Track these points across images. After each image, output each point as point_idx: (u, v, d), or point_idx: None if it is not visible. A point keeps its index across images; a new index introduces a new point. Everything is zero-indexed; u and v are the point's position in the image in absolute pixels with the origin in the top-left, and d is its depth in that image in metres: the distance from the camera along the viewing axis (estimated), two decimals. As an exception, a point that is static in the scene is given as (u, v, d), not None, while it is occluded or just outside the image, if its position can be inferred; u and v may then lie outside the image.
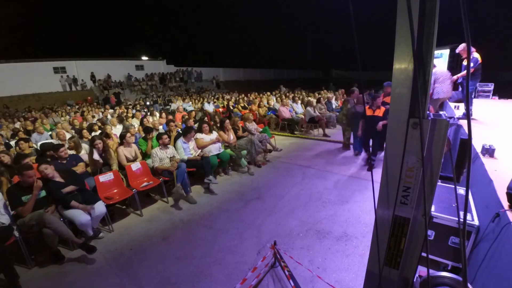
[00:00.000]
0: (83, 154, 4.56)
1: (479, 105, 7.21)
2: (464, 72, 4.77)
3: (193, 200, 4.33)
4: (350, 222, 3.47)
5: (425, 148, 1.03)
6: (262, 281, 2.60)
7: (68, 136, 5.80)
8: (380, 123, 5.29)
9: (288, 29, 44.74)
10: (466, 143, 2.80)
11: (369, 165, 5.16)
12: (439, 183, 2.60)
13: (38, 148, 5.36)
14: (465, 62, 4.65)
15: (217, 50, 40.72)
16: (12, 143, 6.03)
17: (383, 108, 5.07)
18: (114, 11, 32.41)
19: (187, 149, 4.80)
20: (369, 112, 5.21)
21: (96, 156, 4.29)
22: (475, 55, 4.68)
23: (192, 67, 28.04)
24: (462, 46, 4.68)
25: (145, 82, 24.11)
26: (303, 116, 8.75)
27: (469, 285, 1.17)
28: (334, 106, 10.29)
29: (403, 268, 1.25)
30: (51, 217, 2.96)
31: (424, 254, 1.16)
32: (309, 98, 10.99)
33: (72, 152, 4.53)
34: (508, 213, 1.86)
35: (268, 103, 11.32)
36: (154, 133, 5.29)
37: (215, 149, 5.08)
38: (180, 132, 5.49)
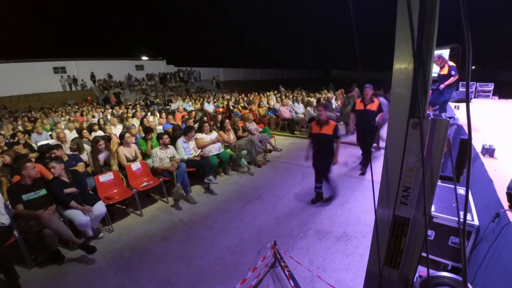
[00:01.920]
0: (83, 155, 4.57)
1: (479, 105, 7.21)
2: (450, 80, 5.03)
3: (193, 200, 4.33)
4: (350, 222, 3.47)
5: (425, 148, 1.03)
6: (262, 281, 2.60)
7: (70, 136, 5.80)
8: (378, 117, 4.67)
9: (288, 29, 44.80)
10: (466, 143, 2.79)
11: (317, 196, 4.02)
12: (439, 183, 2.60)
13: (36, 148, 5.37)
14: (441, 72, 5.01)
15: (217, 50, 40.78)
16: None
17: (332, 124, 3.74)
18: (114, 11, 32.43)
19: (187, 149, 4.80)
20: (315, 129, 3.82)
21: (101, 156, 4.32)
22: (450, 63, 4.94)
23: (192, 67, 28.04)
24: (437, 56, 4.91)
25: (145, 82, 24.11)
26: (303, 116, 8.75)
27: (469, 285, 1.17)
28: (334, 106, 10.28)
29: (403, 268, 1.25)
30: (51, 217, 2.96)
31: (424, 254, 1.16)
32: (309, 98, 10.99)
33: (75, 153, 4.53)
34: (508, 213, 1.86)
35: (268, 103, 11.32)
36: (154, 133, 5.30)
37: (215, 149, 5.08)
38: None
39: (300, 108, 9.74)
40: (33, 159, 4.25)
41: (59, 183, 3.29)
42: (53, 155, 3.86)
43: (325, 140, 3.77)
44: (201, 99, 14.01)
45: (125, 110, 10.12)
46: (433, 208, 2.21)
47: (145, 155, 4.92)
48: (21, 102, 18.51)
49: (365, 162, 5.12)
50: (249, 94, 15.29)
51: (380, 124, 4.89)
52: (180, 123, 6.56)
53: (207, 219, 3.83)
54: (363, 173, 5.03)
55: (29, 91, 19.20)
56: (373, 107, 4.77)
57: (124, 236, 3.54)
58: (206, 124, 5.18)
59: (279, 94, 14.02)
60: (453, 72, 4.96)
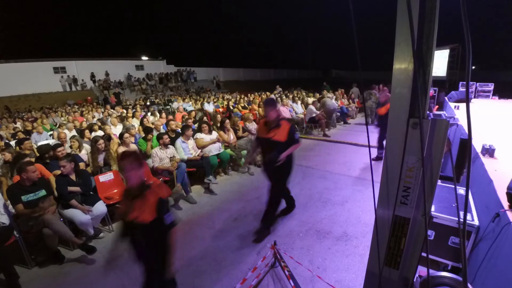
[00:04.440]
0: (83, 154, 4.57)
1: (479, 105, 7.21)
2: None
3: (193, 200, 4.33)
4: (350, 222, 3.47)
5: (425, 148, 1.03)
6: (262, 281, 2.60)
7: (69, 136, 5.79)
8: (284, 154, 2.91)
9: (288, 29, 44.88)
10: (466, 143, 2.80)
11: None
12: (439, 183, 2.60)
13: (36, 148, 5.36)
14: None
15: (217, 50, 40.86)
16: (12, 143, 6.02)
17: (151, 202, 1.83)
18: (114, 11, 32.47)
19: (186, 149, 4.80)
20: (123, 207, 1.92)
21: (100, 157, 4.32)
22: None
23: (192, 67, 28.04)
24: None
25: (145, 82, 24.10)
26: (303, 116, 8.75)
27: (469, 285, 1.17)
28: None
29: (403, 268, 1.25)
30: (51, 217, 2.96)
31: (424, 254, 1.16)
32: (309, 98, 11.01)
33: (75, 152, 4.53)
34: (508, 213, 1.86)
35: (268, 103, 11.29)
36: (155, 133, 5.29)
37: (215, 149, 5.08)
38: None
39: (300, 108, 9.75)
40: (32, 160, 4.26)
41: (66, 180, 3.34)
42: (61, 155, 3.88)
43: (144, 232, 1.86)
44: (201, 99, 14.00)
45: (124, 110, 10.11)
46: (433, 208, 2.21)
47: (145, 155, 4.92)
48: (21, 102, 18.52)
49: (268, 215, 3.27)
50: (249, 94, 15.28)
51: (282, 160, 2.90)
52: (180, 123, 6.57)
53: (207, 219, 3.83)
54: (256, 240, 3.15)
55: (29, 91, 19.21)
56: (277, 135, 2.91)
57: (124, 236, 3.54)
58: (204, 125, 5.18)
59: (278, 94, 14.02)
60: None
